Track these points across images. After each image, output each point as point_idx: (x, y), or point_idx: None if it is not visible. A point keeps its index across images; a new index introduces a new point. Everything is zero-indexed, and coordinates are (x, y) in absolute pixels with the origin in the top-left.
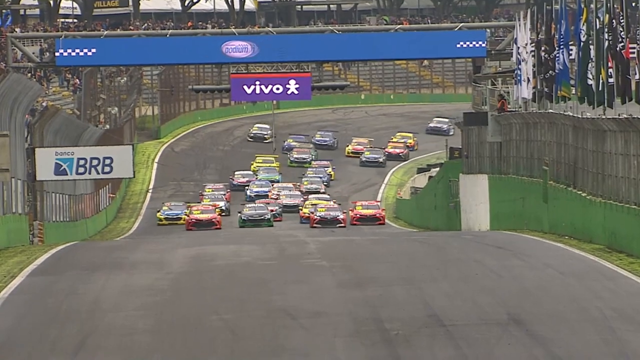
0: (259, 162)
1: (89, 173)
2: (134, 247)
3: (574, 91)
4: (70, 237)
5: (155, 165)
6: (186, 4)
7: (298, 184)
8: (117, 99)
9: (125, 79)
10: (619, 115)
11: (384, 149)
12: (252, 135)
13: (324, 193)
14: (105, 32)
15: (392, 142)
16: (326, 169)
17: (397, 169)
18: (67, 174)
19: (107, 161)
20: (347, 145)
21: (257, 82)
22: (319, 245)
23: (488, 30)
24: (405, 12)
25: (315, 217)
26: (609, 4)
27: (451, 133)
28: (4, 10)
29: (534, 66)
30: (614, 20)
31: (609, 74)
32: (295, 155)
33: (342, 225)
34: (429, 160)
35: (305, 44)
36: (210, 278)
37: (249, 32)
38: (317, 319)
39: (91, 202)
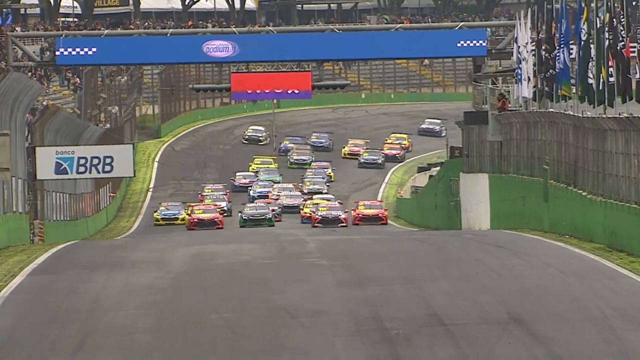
0: (257, 164)
1: (90, 172)
2: (134, 246)
3: (574, 90)
4: (70, 236)
5: (155, 164)
6: (186, 3)
7: (300, 184)
8: (118, 98)
9: (125, 78)
10: (619, 115)
11: (380, 150)
12: (247, 137)
13: (326, 193)
14: (106, 31)
15: (387, 143)
16: (326, 170)
17: (398, 168)
18: (67, 173)
19: (108, 160)
20: (344, 147)
21: (257, 81)
22: (319, 245)
23: (488, 29)
24: (406, 11)
25: (317, 216)
26: (609, 3)
27: (443, 134)
28: (4, 10)
29: (534, 65)
30: (614, 20)
31: (610, 73)
32: (295, 157)
33: (344, 224)
34: (429, 159)
35: (305, 43)
36: (210, 277)
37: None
38: (317, 318)
39: (91, 201)
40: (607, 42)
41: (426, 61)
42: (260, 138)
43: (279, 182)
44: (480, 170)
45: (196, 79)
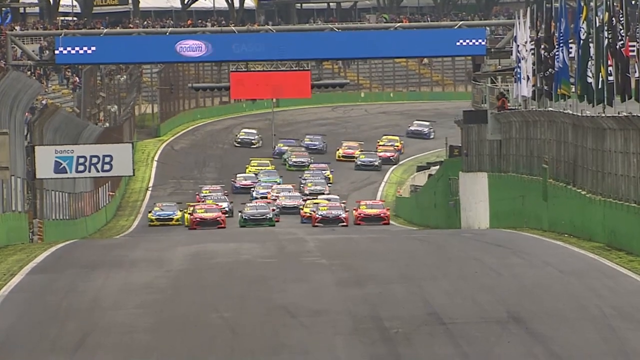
0: (254, 165)
1: (89, 171)
2: (133, 245)
3: (573, 89)
4: (69, 235)
5: (154, 163)
6: (186, 2)
7: (301, 185)
8: (117, 97)
9: (125, 77)
10: (618, 114)
11: (376, 152)
12: (239, 140)
13: (328, 194)
14: (105, 30)
15: (380, 145)
16: (324, 171)
17: (397, 167)
18: (66, 172)
19: (107, 159)
20: (338, 149)
21: (257, 80)
22: (318, 243)
23: (488, 28)
24: (405, 10)
25: (317, 216)
26: (608, 2)
27: (432, 136)
28: (3, 8)
29: (533, 64)
30: (613, 18)
31: (609, 72)
32: (294, 159)
33: (345, 224)
34: (428, 158)
35: (303, 42)
36: (210, 276)
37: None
38: (317, 317)
39: (91, 200)
40: (606, 41)
41: (425, 60)
42: (253, 141)
43: (279, 184)
44: (480, 169)
45: (195, 78)
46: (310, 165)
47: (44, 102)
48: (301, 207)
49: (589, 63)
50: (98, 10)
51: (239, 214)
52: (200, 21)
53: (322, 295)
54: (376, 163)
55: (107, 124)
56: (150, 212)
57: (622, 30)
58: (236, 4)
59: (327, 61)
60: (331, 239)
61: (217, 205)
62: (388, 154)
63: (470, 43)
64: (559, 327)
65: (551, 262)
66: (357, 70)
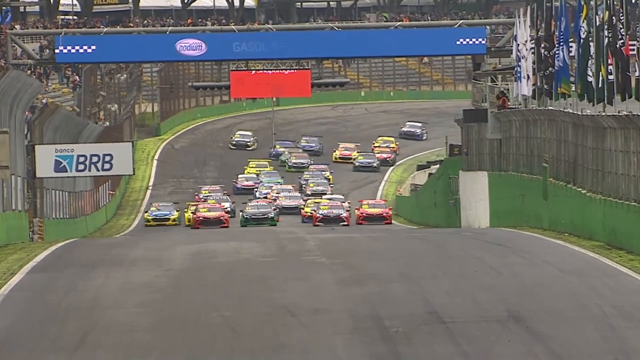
0: (252, 167)
1: (89, 170)
2: (133, 244)
3: (573, 88)
4: (70, 234)
5: (155, 162)
6: (186, 1)
7: (303, 186)
8: (117, 96)
9: (125, 76)
10: (618, 112)
11: (375, 153)
12: (234, 142)
13: (331, 194)
14: (105, 29)
15: (376, 146)
16: (324, 172)
17: (397, 167)
18: (66, 171)
19: (107, 158)
20: (335, 151)
21: (257, 79)
22: (318, 243)
23: (488, 27)
24: (405, 9)
25: (318, 215)
26: (608, 1)
27: (424, 137)
28: (4, 7)
29: (533, 63)
30: (613, 17)
31: (609, 71)
32: (294, 160)
33: (345, 223)
34: (428, 157)
35: (302, 41)
36: (210, 275)
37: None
38: (317, 316)
39: (91, 199)
40: (606, 40)
41: (425, 59)
42: (248, 143)
43: (281, 184)
44: (480, 168)
45: (195, 77)
46: (310, 167)
47: (44, 101)
48: (301, 207)
49: (589, 62)
50: (98, 9)
51: (240, 213)
52: (200, 20)
53: (322, 295)
54: (375, 164)
55: (107, 123)
56: (146, 212)
57: (622, 29)
58: (236, 3)
59: (327, 60)
60: (331, 238)
61: (220, 205)
62: (385, 155)
63: (471, 42)
64: (559, 326)
65: (551, 261)
66: (357, 69)
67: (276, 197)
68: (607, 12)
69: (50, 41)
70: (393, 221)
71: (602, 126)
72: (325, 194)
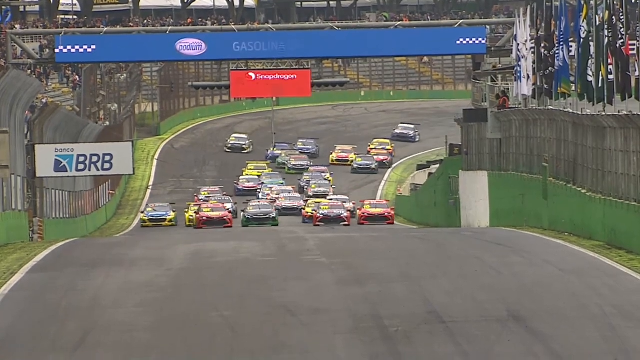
0: (250, 169)
1: (89, 170)
2: (133, 244)
3: (573, 88)
4: (69, 234)
5: (155, 162)
6: (186, 0)
7: (305, 187)
8: (117, 95)
9: (125, 75)
10: (618, 112)
11: (373, 155)
12: (229, 145)
13: (333, 195)
14: (105, 29)
15: (372, 148)
16: (324, 174)
17: (397, 166)
18: (66, 171)
19: (107, 158)
20: (332, 153)
21: (257, 79)
22: (318, 242)
23: (488, 27)
24: (405, 9)
25: (319, 215)
26: (608, 1)
27: (417, 139)
28: (3, 7)
29: (533, 63)
30: (613, 17)
31: (609, 70)
32: (294, 162)
33: (346, 223)
34: (428, 157)
35: (302, 41)
36: (210, 275)
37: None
38: (317, 316)
39: (91, 199)
40: (606, 40)
41: (425, 59)
42: (244, 146)
43: (283, 185)
44: (480, 167)
45: (195, 76)
46: (310, 168)
47: (44, 100)
48: (302, 208)
49: (589, 62)
50: (98, 8)
51: (242, 213)
52: (200, 20)
53: (322, 294)
54: (373, 166)
55: (107, 123)
56: (142, 212)
57: (622, 29)
58: (236, 2)
59: (327, 60)
60: (331, 238)
61: (223, 205)
62: (381, 157)
63: (471, 42)
64: (559, 326)
65: (551, 261)
66: (357, 68)
67: (276, 198)
68: (607, 12)
69: (50, 41)
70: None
71: (602, 126)
72: (327, 195)
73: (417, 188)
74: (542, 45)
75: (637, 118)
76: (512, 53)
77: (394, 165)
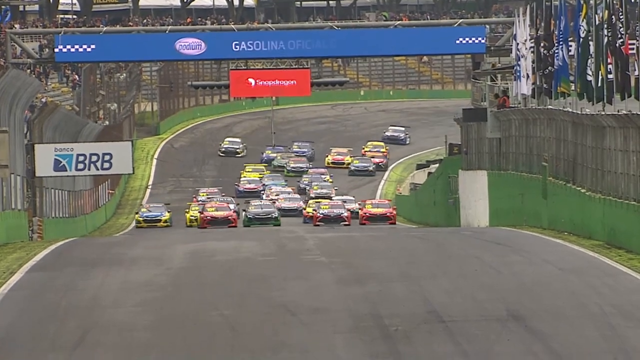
0: (248, 171)
1: (88, 169)
2: (133, 243)
3: (573, 87)
4: (69, 233)
5: (154, 161)
6: (185, 0)
7: (307, 188)
8: (117, 95)
9: (124, 75)
10: (618, 112)
11: (371, 157)
12: (223, 150)
13: (335, 196)
14: (105, 28)
15: (366, 151)
16: (324, 176)
17: (396, 165)
18: (66, 170)
19: (107, 157)
20: (327, 155)
21: (256, 78)
22: (318, 242)
23: (487, 26)
24: (405, 8)
25: (319, 214)
26: (608, 0)
27: (408, 142)
28: (3, 6)
29: (533, 62)
30: (613, 16)
31: (609, 70)
32: (292, 165)
33: (347, 223)
34: (428, 156)
35: (302, 40)
36: (209, 274)
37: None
38: (317, 315)
39: (90, 198)
40: (606, 39)
41: (425, 58)
42: (238, 150)
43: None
44: (479, 167)
45: (195, 76)
46: (309, 170)
47: (43, 100)
48: (301, 209)
49: (589, 61)
50: (98, 8)
51: (243, 212)
52: (199, 19)
53: (322, 294)
54: (371, 168)
55: (107, 122)
56: (137, 213)
57: (622, 28)
58: (236, 2)
59: (326, 59)
60: (331, 237)
61: (227, 204)
62: (377, 160)
63: (470, 41)
64: (559, 325)
65: (551, 260)
66: (357, 68)
67: (275, 199)
68: (606, 11)
69: (49, 40)
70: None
71: (601, 125)
72: (330, 196)
73: (416, 187)
74: (542, 44)
75: (636, 117)
76: (511, 52)
77: (390, 167)
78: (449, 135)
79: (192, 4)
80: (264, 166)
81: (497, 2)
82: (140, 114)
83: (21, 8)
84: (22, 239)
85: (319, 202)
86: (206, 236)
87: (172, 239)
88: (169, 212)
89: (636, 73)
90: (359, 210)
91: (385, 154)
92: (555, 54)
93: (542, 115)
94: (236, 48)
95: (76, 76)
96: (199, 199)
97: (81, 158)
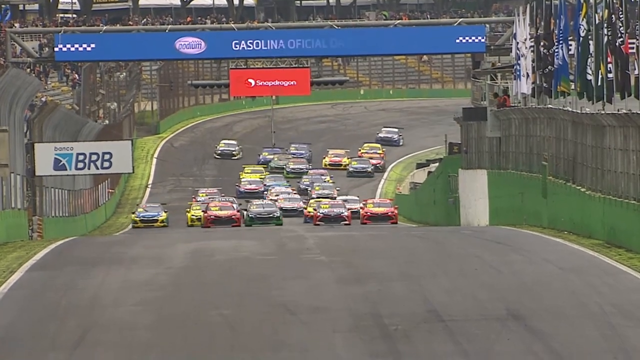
0: (247, 172)
1: (88, 168)
2: (133, 242)
3: (573, 86)
4: (69, 232)
5: (154, 160)
6: None
7: (309, 189)
8: (116, 94)
9: (124, 74)
10: (618, 111)
11: (369, 159)
12: (219, 152)
13: (337, 197)
14: (105, 28)
15: (363, 153)
16: (324, 177)
17: (396, 165)
18: (66, 169)
19: (106, 156)
20: (324, 157)
21: (256, 78)
22: (317, 241)
23: (487, 25)
24: (405, 8)
25: (319, 214)
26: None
27: (401, 143)
28: (3, 5)
29: (533, 61)
30: (613, 16)
31: (608, 69)
32: (292, 166)
33: (347, 222)
34: (428, 155)
35: (301, 39)
36: (209, 273)
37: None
38: (317, 315)
39: (90, 198)
40: (605, 38)
41: (425, 57)
42: (234, 152)
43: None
44: (479, 166)
45: (195, 75)
46: (310, 171)
47: (43, 99)
48: (301, 209)
49: (589, 60)
50: (97, 7)
51: (244, 212)
52: (199, 18)
53: (321, 293)
54: (369, 169)
55: (107, 121)
56: (133, 213)
57: (622, 28)
58: (235, 1)
59: (326, 58)
60: (331, 236)
61: (231, 203)
62: (375, 161)
63: (470, 40)
64: (559, 325)
65: (551, 259)
66: (357, 67)
67: (275, 199)
68: (606, 11)
69: (49, 39)
70: None
71: (601, 124)
72: (334, 197)
73: (416, 186)
74: (542, 43)
75: (636, 117)
76: (511, 51)
77: (390, 167)
78: (449, 135)
79: (192, 3)
80: (263, 167)
81: (497, 1)
82: (140, 113)
83: (21, 7)
84: (22, 238)
85: (320, 201)
86: (206, 235)
87: (172, 238)
88: (165, 212)
89: (636, 72)
90: (360, 210)
91: (382, 155)
92: (555, 53)
93: (542, 115)
94: (236, 47)
95: (76, 75)
96: (198, 200)
97: (81, 157)
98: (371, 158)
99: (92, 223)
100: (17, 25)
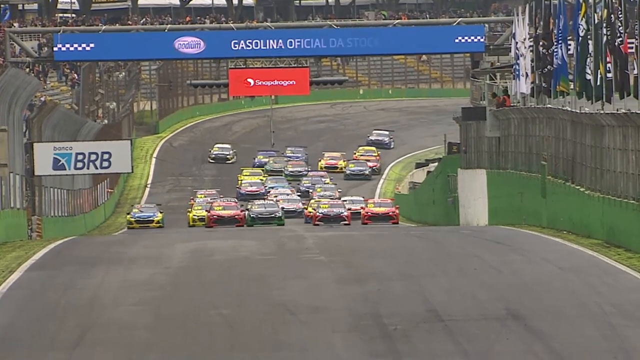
0: (246, 175)
1: (87, 168)
2: (132, 242)
3: (572, 86)
4: (68, 232)
5: (153, 160)
6: None
7: (310, 191)
8: (116, 93)
9: (123, 73)
10: (617, 110)
11: (367, 161)
12: (213, 156)
13: (338, 198)
14: (104, 27)
15: (359, 155)
16: (324, 179)
17: (396, 164)
18: (65, 169)
19: (106, 156)
20: (320, 160)
21: (255, 77)
22: (317, 241)
23: (486, 25)
24: (404, 7)
25: (318, 214)
26: None
27: (392, 146)
28: (2, 5)
29: (532, 61)
30: (612, 15)
31: (608, 68)
32: (291, 169)
33: (347, 222)
34: (427, 155)
35: (301, 39)
36: (209, 273)
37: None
38: (316, 314)
39: (89, 197)
40: (605, 38)
41: (424, 57)
42: (228, 156)
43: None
44: (478, 166)
45: (194, 74)
46: (309, 174)
47: (42, 99)
48: (301, 210)
49: (588, 60)
50: (96, 7)
51: (245, 212)
52: (198, 18)
53: (321, 293)
54: (367, 172)
55: (106, 121)
56: (128, 213)
57: (621, 27)
58: (234, 1)
59: (325, 58)
60: (330, 236)
61: (235, 202)
62: (371, 164)
63: (469, 40)
64: (559, 324)
65: (550, 259)
66: (356, 67)
67: (274, 200)
68: (605, 10)
69: (48, 39)
70: None
71: (600, 124)
72: (337, 199)
73: (415, 186)
74: (541, 43)
75: (635, 116)
76: (510, 51)
77: (389, 166)
78: (448, 134)
79: (191, 2)
80: (262, 170)
81: (496, 1)
82: (139, 113)
83: (20, 7)
84: (21, 238)
85: (319, 201)
86: (206, 235)
87: (171, 238)
88: (161, 212)
89: (635, 72)
90: (361, 210)
91: (377, 157)
92: (554, 53)
93: (541, 114)
94: (235, 47)
95: (75, 75)
96: (196, 201)
97: (80, 157)
98: (368, 160)
99: (91, 223)
100: (16, 24)
